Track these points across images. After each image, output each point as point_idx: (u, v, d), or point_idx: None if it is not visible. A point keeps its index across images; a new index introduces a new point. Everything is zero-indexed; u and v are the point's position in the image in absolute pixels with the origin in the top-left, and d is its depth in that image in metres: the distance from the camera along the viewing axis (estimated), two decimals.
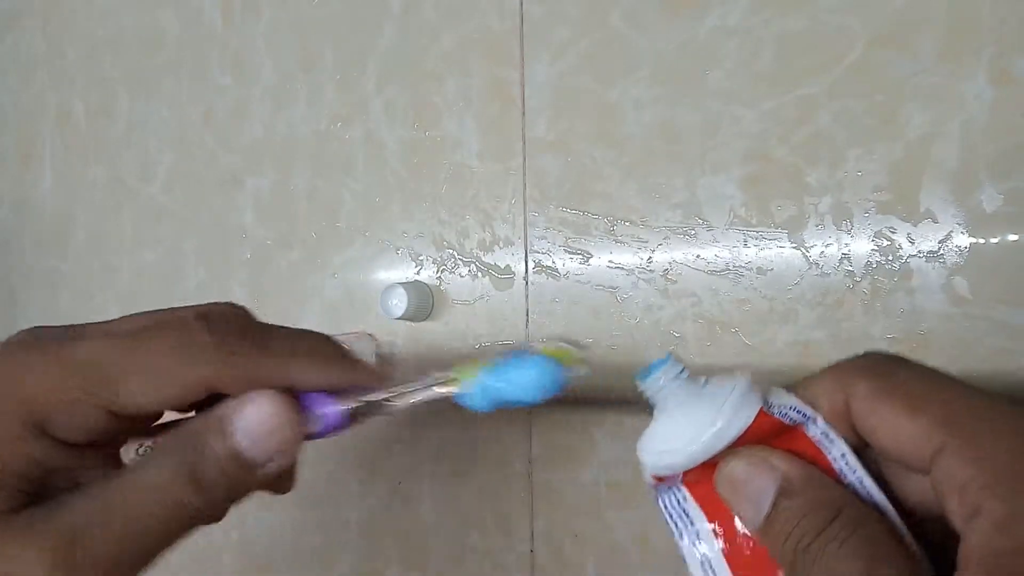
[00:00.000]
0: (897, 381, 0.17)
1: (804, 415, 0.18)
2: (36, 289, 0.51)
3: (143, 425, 0.21)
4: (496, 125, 0.34)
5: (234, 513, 0.20)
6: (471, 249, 0.35)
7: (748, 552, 0.18)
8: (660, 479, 0.20)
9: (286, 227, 0.40)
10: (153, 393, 0.19)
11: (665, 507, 0.20)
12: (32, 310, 0.51)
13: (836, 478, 0.18)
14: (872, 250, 0.27)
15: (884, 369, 0.17)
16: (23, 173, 0.52)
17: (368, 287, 0.38)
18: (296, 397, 0.20)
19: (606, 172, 0.32)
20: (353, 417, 0.21)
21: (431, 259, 0.36)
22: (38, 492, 0.19)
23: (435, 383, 0.21)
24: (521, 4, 0.34)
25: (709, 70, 0.30)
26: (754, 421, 0.18)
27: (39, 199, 0.51)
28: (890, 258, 0.27)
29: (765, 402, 0.18)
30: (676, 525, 0.19)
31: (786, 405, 0.18)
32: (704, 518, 0.19)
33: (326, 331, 0.41)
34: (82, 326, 0.20)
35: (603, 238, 0.32)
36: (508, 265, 0.34)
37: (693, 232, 0.30)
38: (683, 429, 0.18)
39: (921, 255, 0.26)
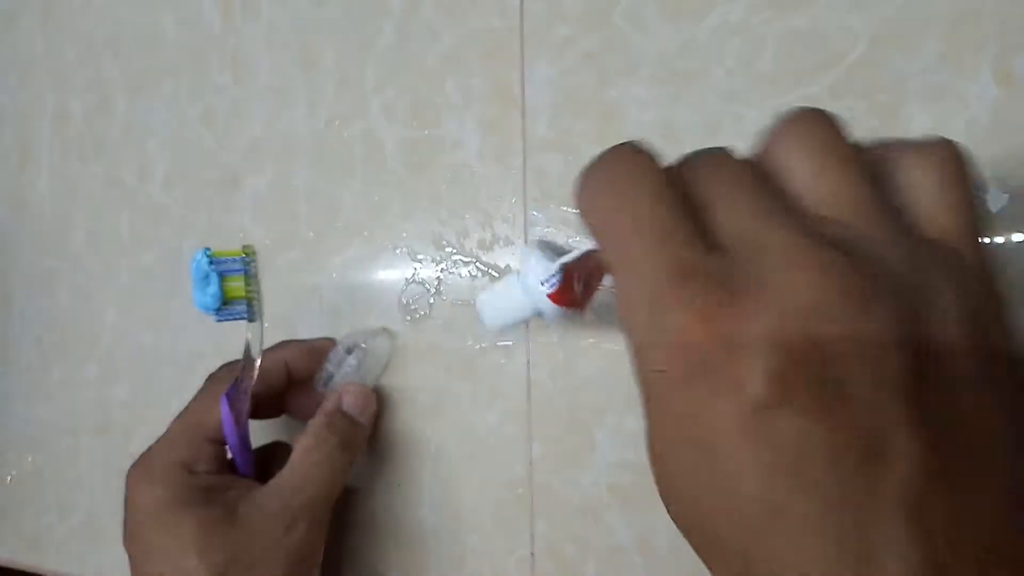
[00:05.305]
0: None
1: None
2: (33, 289, 0.51)
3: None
4: (496, 124, 0.34)
5: None
6: (471, 249, 0.35)
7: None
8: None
9: (285, 227, 0.40)
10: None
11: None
12: (29, 310, 0.51)
13: None
14: None
15: None
16: (20, 173, 0.52)
17: (367, 287, 0.37)
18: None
19: None
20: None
21: (431, 259, 0.36)
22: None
23: None
24: (521, 3, 0.34)
25: (710, 69, 0.30)
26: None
27: (36, 199, 0.51)
28: None
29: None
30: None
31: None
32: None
33: (324, 330, 0.41)
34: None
35: None
36: (508, 265, 0.34)
37: None
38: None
39: None
